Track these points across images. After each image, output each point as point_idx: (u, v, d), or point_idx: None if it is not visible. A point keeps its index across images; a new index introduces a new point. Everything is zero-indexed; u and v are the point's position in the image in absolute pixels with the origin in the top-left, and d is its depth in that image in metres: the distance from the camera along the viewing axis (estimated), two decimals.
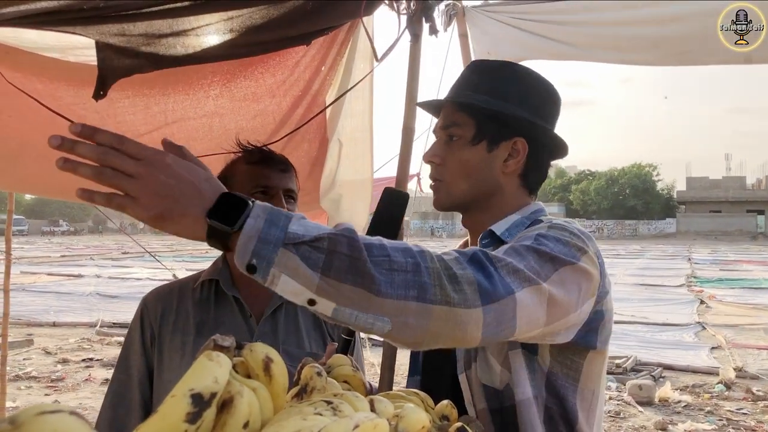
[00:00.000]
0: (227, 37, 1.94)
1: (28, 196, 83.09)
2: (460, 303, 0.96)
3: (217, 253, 1.59)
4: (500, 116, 1.43)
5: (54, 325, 11.74)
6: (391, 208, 1.43)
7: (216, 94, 2.40)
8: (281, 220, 0.94)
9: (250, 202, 0.94)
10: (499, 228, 1.42)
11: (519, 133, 1.44)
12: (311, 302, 0.91)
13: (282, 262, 0.91)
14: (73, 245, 44.92)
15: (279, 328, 1.77)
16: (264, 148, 1.88)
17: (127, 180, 0.91)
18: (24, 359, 9.07)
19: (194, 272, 1.94)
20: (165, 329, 1.77)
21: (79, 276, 20.35)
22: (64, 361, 8.90)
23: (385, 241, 0.98)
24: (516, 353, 1.33)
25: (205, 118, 2.51)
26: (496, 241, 1.40)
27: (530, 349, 1.33)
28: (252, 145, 1.87)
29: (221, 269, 1.83)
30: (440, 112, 1.52)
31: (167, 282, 1.93)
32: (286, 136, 2.52)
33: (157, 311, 1.80)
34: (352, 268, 0.91)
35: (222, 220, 0.93)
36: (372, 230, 1.40)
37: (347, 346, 1.43)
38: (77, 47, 2.00)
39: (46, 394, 7.40)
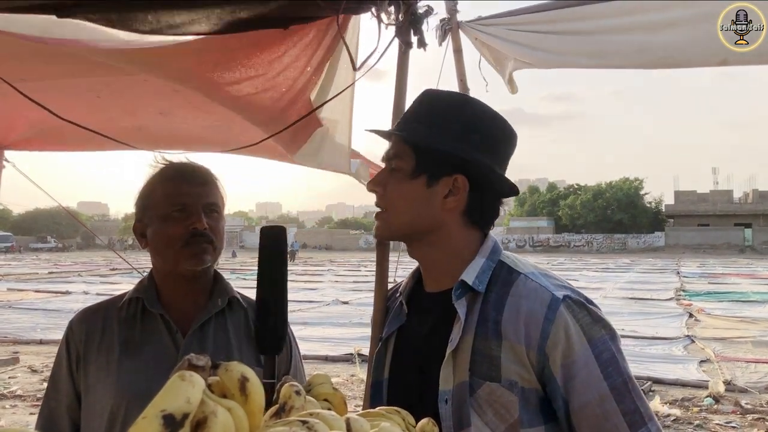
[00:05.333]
0: (201, 15, 1.92)
1: (15, 212, 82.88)
2: None
3: None
4: (441, 152, 1.42)
5: (41, 342, 11.65)
6: (272, 244, 1.45)
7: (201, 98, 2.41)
8: None
9: None
10: (468, 277, 1.41)
11: (460, 170, 1.42)
12: None
13: None
14: (61, 261, 44.62)
15: (207, 343, 1.73)
16: (181, 161, 1.83)
17: None
18: (9, 377, 8.98)
19: None
20: (90, 350, 1.74)
21: (67, 293, 20.23)
22: None
23: None
24: (535, 431, 1.35)
25: (195, 111, 2.54)
26: (468, 290, 1.41)
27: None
28: (167, 160, 1.82)
29: (147, 287, 1.79)
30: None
31: (94, 303, 1.90)
32: (272, 136, 2.50)
33: (82, 333, 1.76)
34: None
35: None
36: (262, 268, 1.42)
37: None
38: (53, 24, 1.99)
39: (32, 413, 7.31)
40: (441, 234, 1.46)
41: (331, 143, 2.72)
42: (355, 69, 2.26)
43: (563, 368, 1.32)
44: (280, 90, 2.43)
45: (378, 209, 1.51)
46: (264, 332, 1.43)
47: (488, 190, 1.47)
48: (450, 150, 1.41)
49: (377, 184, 1.49)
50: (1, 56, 2.14)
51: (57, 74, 2.37)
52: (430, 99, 1.52)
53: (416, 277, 1.60)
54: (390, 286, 1.87)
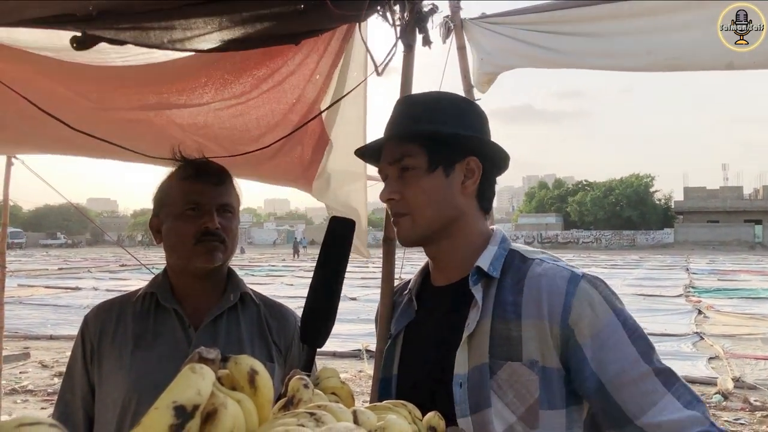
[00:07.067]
0: (214, 33, 1.95)
1: (25, 209, 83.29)
2: None
3: None
4: (449, 139, 1.44)
5: (51, 338, 11.73)
6: (338, 236, 1.43)
7: (209, 99, 2.42)
8: None
9: None
10: (484, 263, 1.43)
11: (470, 152, 1.46)
12: None
13: None
14: (71, 258, 44.84)
15: (219, 337, 1.76)
16: (200, 159, 1.84)
17: None
18: (20, 373, 9.04)
19: None
20: (104, 344, 1.77)
21: (77, 289, 20.33)
22: (61, 375, 8.84)
23: None
24: (556, 413, 1.36)
25: (201, 117, 2.54)
26: (483, 276, 1.43)
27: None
28: (186, 157, 1.83)
29: (161, 282, 1.82)
30: (380, 154, 1.52)
31: (109, 298, 1.92)
32: (278, 141, 2.53)
33: (97, 327, 1.79)
34: None
35: None
36: (322, 258, 1.41)
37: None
38: (70, 49, 2.02)
39: (42, 408, 7.37)
40: (462, 223, 1.49)
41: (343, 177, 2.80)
42: (378, 74, 2.26)
43: (593, 339, 1.33)
44: (290, 101, 2.45)
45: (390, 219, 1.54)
46: (310, 324, 1.42)
47: (493, 167, 1.52)
48: (461, 134, 1.45)
49: (392, 192, 1.48)
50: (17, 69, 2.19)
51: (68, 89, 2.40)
52: (415, 101, 1.57)
53: (424, 274, 1.62)
54: (396, 282, 1.89)
